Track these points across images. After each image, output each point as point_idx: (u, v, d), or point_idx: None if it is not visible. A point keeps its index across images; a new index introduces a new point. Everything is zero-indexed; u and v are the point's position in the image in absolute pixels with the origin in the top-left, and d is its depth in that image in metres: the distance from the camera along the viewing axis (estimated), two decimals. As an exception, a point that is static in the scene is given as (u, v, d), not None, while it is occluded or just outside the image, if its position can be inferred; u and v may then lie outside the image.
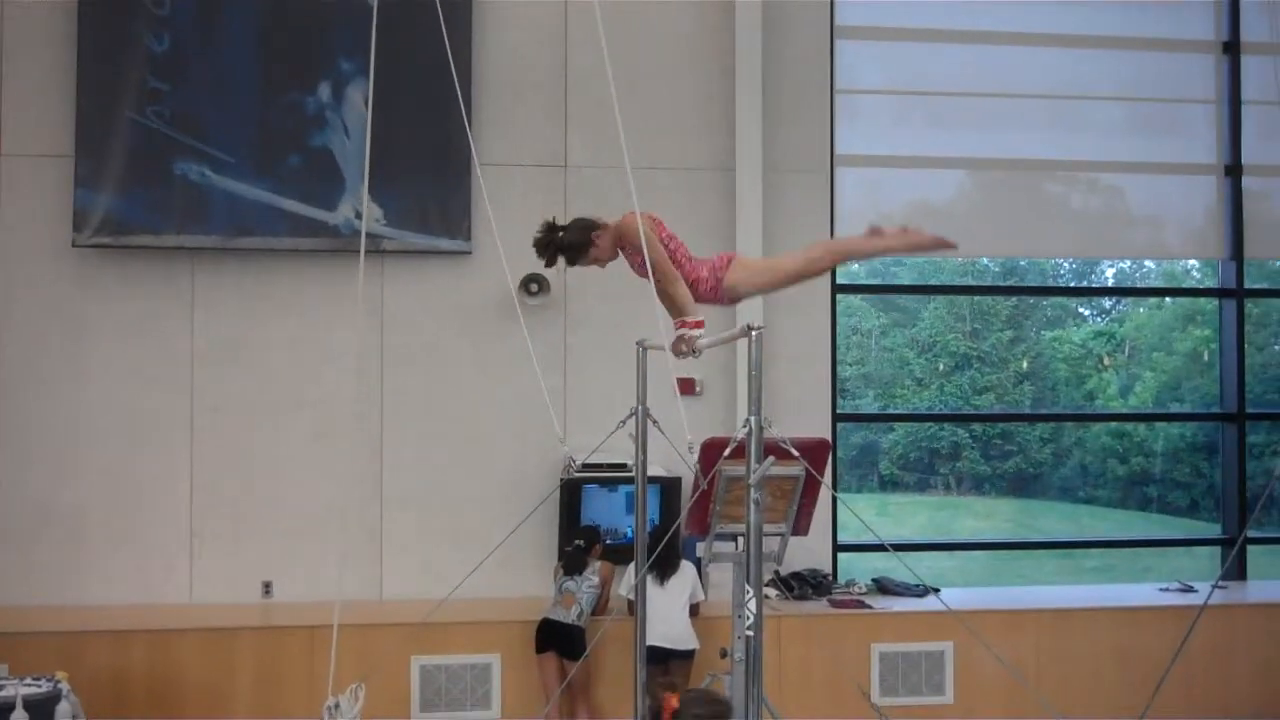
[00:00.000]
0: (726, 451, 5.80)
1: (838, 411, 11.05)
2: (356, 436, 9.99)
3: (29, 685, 7.32)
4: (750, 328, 5.26)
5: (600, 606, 9.17)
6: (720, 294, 6.45)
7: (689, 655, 8.89)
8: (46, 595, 9.76)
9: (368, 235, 8.85)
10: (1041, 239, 11.77)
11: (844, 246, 6.97)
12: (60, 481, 9.93)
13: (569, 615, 8.88)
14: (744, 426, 5.20)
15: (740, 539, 6.70)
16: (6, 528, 9.82)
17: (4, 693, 7.16)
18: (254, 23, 10.04)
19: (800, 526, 7.36)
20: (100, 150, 9.75)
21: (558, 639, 8.89)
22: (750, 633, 5.31)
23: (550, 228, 6.46)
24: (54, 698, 7.28)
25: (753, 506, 5.20)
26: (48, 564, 9.84)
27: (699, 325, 6.16)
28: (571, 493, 9.91)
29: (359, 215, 9.76)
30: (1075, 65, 11.49)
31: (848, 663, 9.48)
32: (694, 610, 9.05)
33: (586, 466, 8.94)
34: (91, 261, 9.98)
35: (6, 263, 9.94)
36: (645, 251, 6.00)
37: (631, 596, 8.48)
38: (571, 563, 9.10)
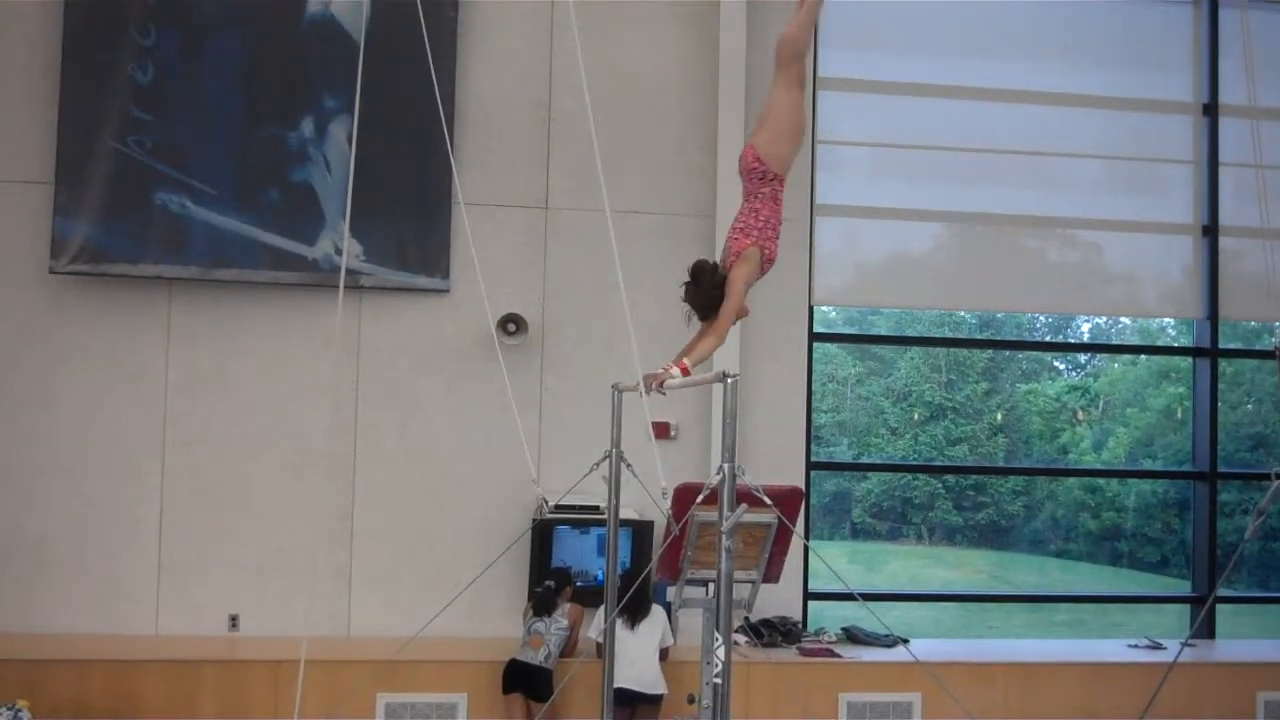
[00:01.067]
0: (699, 498, 5.80)
1: (812, 460, 11.05)
2: (328, 472, 9.96)
3: (-10, 714, 7.28)
4: (726, 375, 5.27)
5: (569, 649, 9.13)
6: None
7: (657, 700, 8.86)
8: (10, 622, 9.68)
9: (346, 271, 8.86)
10: (1018, 293, 11.81)
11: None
12: (28, 508, 9.86)
13: (537, 656, 8.84)
14: (717, 473, 5.20)
15: (711, 585, 6.68)
16: (-27, 554, 9.76)
17: (-36, 721, 7.12)
18: (238, 57, 10.06)
19: (771, 574, 7.33)
20: (80, 178, 9.74)
21: (525, 680, 8.84)
22: (719, 679, 5.30)
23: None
24: (14, 727, 7.24)
25: (724, 553, 5.19)
26: (12, 591, 9.75)
27: (685, 372, 6.19)
28: (543, 534, 9.88)
29: (338, 251, 9.76)
30: (1056, 123, 11.56)
31: (815, 711, 9.45)
32: (663, 655, 9.02)
33: (559, 508, 8.91)
34: (68, 288, 9.95)
35: (-18, 287, 9.91)
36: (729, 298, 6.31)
37: (601, 639, 8.45)
38: (541, 604, 9.07)
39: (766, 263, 6.60)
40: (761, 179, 6.65)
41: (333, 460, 10.06)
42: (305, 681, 6.58)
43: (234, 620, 10.03)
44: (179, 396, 10.10)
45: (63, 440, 9.94)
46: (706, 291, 6.45)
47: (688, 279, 6.53)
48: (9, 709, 7.41)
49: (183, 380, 10.11)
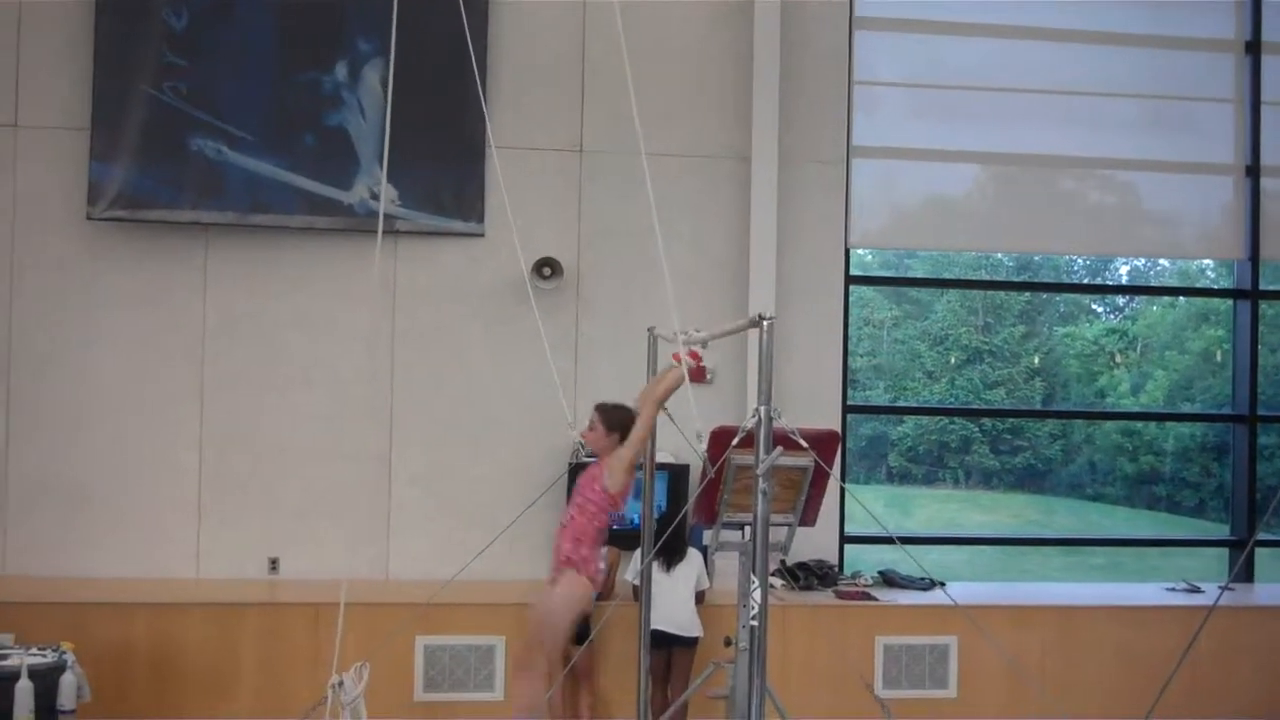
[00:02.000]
0: (735, 440, 5.79)
1: (848, 403, 11.03)
2: (366, 415, 10.00)
3: (34, 655, 7.35)
4: (762, 317, 5.25)
5: (605, 591, 9.16)
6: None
7: (693, 643, 8.89)
8: (54, 565, 9.79)
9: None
10: (1056, 235, 11.68)
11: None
12: (69, 452, 9.95)
13: (574, 599, 8.86)
14: (753, 416, 5.19)
15: (747, 528, 6.68)
16: (15, 497, 9.86)
17: (9, 662, 7.20)
18: (272, 1, 10.03)
19: (808, 517, 7.34)
20: (116, 124, 9.75)
21: (562, 623, 8.88)
22: (755, 622, 5.31)
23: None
24: (59, 668, 7.31)
25: (760, 496, 5.19)
26: (55, 534, 9.86)
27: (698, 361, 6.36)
28: (579, 477, 9.89)
29: (374, 195, 9.76)
30: (1095, 61, 11.41)
31: (852, 654, 9.47)
32: (699, 598, 9.05)
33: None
34: (105, 234, 9.98)
35: (21, 233, 9.94)
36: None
37: (637, 582, 8.49)
38: (577, 547, 9.08)
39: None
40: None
41: (370, 404, 10.09)
42: (345, 624, 6.62)
43: (274, 563, 10.11)
44: (216, 341, 10.15)
45: (101, 385, 10.01)
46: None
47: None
48: (53, 651, 7.49)
49: (220, 325, 10.16)
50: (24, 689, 6.97)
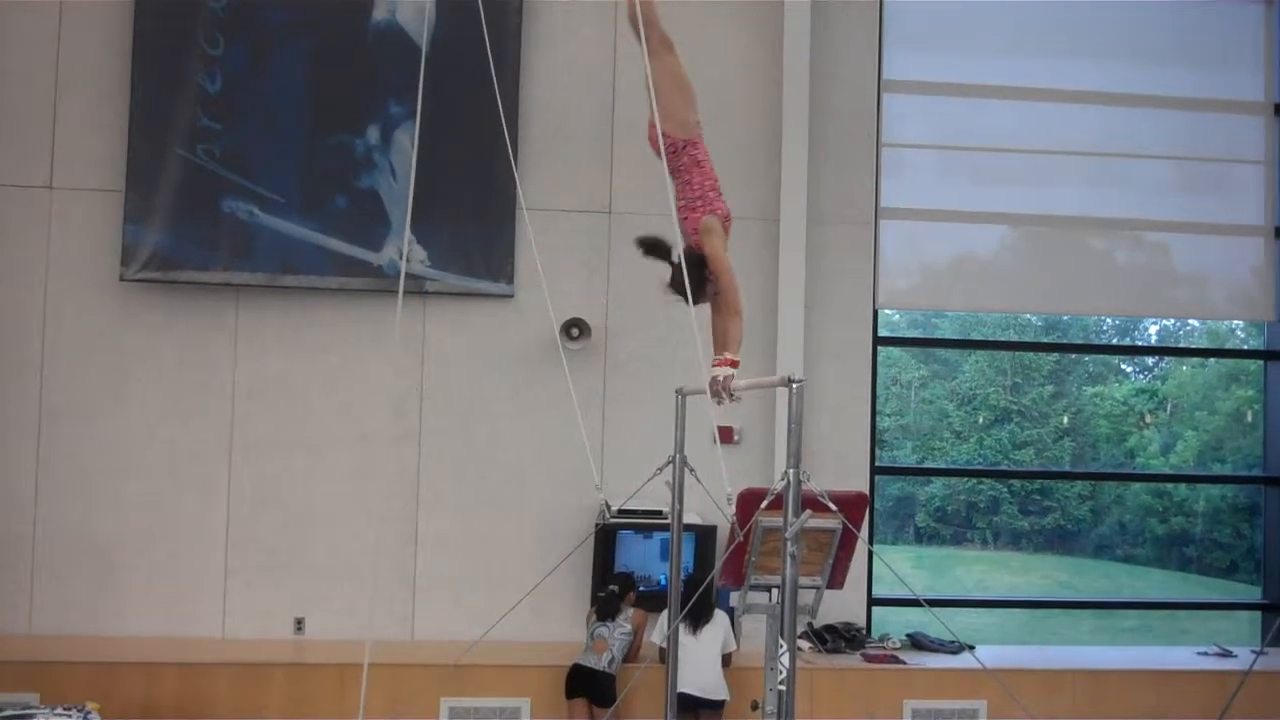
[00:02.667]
0: (764, 503, 5.77)
1: (877, 464, 10.99)
2: (393, 476, 10.01)
3: (60, 715, 7.35)
4: (791, 379, 5.25)
5: (632, 653, 9.13)
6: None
7: (719, 706, 8.84)
8: (80, 625, 9.81)
9: (411, 276, 8.92)
10: (1085, 296, 11.68)
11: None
12: (98, 512, 9.98)
13: (600, 661, 8.84)
14: (782, 479, 5.18)
15: (775, 590, 6.65)
16: (43, 556, 9.89)
17: (35, 722, 7.20)
18: (305, 65, 10.14)
19: (836, 580, 7.29)
20: (150, 186, 9.86)
21: (588, 685, 8.85)
22: (783, 686, 5.28)
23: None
24: (84, 729, 7.31)
25: (788, 559, 5.17)
26: (82, 593, 9.88)
27: (734, 365, 6.06)
28: (606, 538, 9.89)
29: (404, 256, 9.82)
30: (1123, 123, 11.44)
31: (880, 718, 9.39)
32: (726, 660, 9.00)
33: (622, 512, 8.93)
34: (138, 295, 10.06)
35: (55, 294, 10.03)
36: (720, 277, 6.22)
37: (664, 644, 8.45)
38: (605, 608, 9.07)
39: (725, 221, 6.55)
40: (675, 152, 6.60)
41: (398, 464, 10.11)
42: (370, 685, 6.62)
43: (300, 623, 10.10)
44: (246, 401, 10.19)
45: (132, 444, 10.06)
46: (694, 272, 6.30)
47: (673, 264, 6.37)
48: (79, 711, 7.48)
49: (250, 385, 10.20)
50: (50, 749, 6.97)
